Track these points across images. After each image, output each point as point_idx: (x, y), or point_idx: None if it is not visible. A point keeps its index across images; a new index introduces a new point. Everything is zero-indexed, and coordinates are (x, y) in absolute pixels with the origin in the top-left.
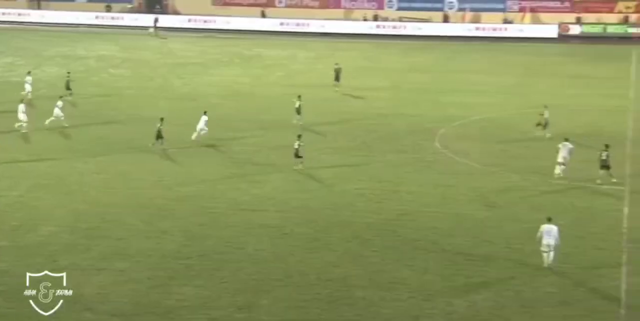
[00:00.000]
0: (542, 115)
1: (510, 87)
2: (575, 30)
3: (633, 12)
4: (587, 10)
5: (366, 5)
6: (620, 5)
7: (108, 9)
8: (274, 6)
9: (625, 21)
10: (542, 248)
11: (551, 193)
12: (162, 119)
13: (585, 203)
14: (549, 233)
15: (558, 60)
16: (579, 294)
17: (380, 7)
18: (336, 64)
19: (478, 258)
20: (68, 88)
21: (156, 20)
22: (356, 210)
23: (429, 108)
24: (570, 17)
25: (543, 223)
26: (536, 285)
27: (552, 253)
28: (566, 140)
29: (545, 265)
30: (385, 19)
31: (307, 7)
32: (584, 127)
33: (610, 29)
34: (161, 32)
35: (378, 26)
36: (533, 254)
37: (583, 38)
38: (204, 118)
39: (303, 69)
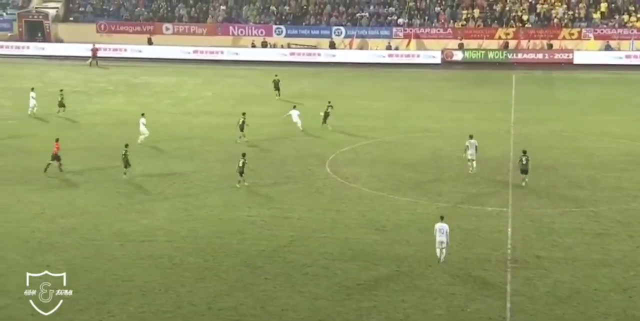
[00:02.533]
0: (328, 109)
1: (396, 112)
2: (457, 56)
3: (512, 39)
4: (469, 37)
5: (254, 32)
6: (500, 32)
7: None
8: (162, 33)
9: (505, 47)
10: (437, 245)
11: (438, 216)
12: (126, 145)
13: (471, 225)
14: (441, 231)
15: (441, 85)
16: (465, 315)
17: (269, 34)
18: (275, 75)
19: (368, 282)
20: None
21: (96, 50)
22: (246, 238)
23: (318, 133)
24: (453, 43)
25: (428, 241)
26: (425, 307)
27: (444, 250)
28: (471, 137)
29: (439, 261)
30: (274, 46)
31: (194, 34)
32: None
33: (491, 55)
34: (101, 63)
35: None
36: (422, 277)
37: (465, 64)
38: None
39: (192, 96)
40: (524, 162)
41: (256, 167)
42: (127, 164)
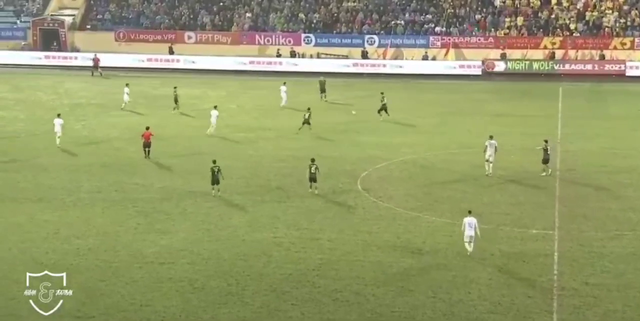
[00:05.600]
0: (383, 101)
1: (433, 126)
2: (499, 66)
3: (559, 48)
4: (512, 46)
5: (282, 41)
6: (546, 41)
7: None
8: (184, 42)
9: (551, 57)
10: (465, 239)
11: (478, 239)
12: (214, 161)
13: (514, 249)
14: (470, 225)
15: (482, 98)
16: None
17: (297, 43)
18: (321, 76)
19: (403, 308)
20: (177, 101)
21: (97, 60)
22: (272, 261)
23: (349, 149)
24: (495, 53)
25: (467, 266)
26: None
27: (472, 244)
28: (491, 137)
29: (468, 253)
30: (303, 56)
31: (218, 43)
32: (509, 167)
33: (536, 66)
34: (105, 72)
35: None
36: (460, 304)
37: (508, 75)
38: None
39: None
40: (548, 152)
41: (283, 184)
42: (215, 181)
